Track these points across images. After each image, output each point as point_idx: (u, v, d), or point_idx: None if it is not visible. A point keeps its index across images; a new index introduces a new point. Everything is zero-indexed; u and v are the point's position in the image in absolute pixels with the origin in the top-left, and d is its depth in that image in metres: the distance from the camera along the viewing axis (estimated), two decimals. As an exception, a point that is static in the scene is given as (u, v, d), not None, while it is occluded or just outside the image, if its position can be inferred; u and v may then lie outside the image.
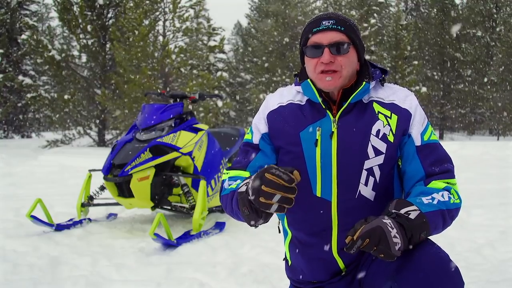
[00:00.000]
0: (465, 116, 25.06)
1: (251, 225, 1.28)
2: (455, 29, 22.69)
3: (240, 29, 34.37)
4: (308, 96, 1.54)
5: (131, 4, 13.61)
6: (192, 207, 3.59)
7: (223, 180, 1.57)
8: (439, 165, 1.47)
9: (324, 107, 1.50)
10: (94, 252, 3.06)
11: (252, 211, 1.23)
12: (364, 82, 1.50)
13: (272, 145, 1.58)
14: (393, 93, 1.54)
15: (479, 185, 6.02)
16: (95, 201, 3.95)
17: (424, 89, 19.59)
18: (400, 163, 1.52)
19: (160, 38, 14.78)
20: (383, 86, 1.56)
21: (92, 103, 14.52)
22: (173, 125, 3.80)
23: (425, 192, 1.41)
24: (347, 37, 1.47)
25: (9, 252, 2.98)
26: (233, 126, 6.86)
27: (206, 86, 13.66)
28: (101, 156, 8.08)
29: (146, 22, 13.63)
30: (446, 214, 1.36)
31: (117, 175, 3.49)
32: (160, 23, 14.74)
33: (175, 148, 3.63)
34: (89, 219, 3.87)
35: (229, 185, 1.49)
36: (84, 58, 15.47)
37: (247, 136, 1.63)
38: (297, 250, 1.59)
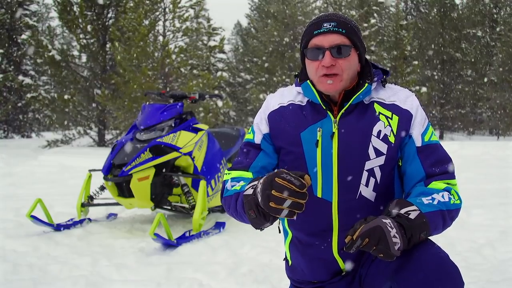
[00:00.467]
0: (465, 116, 25.06)
1: (256, 228, 1.28)
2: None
3: (240, 29, 34.37)
4: (309, 97, 1.54)
5: (131, 4, 13.61)
6: (192, 207, 3.59)
7: (224, 180, 1.56)
8: (440, 165, 1.47)
9: (324, 107, 1.50)
10: (94, 252, 3.06)
11: (260, 214, 1.22)
12: (366, 84, 1.50)
13: (273, 145, 1.57)
14: (394, 93, 1.54)
15: (479, 185, 6.02)
16: (95, 201, 3.95)
17: (424, 89, 19.59)
18: (400, 164, 1.52)
19: (160, 38, 14.78)
20: (384, 86, 1.56)
21: (92, 103, 14.52)
22: (173, 125, 3.80)
23: (425, 192, 1.41)
24: (349, 40, 1.46)
25: (9, 252, 2.98)
26: (233, 126, 6.85)
27: (206, 86, 13.66)
28: (101, 156, 8.08)
29: (146, 22, 13.63)
30: (446, 215, 1.36)
31: (117, 175, 3.49)
32: (160, 23, 14.75)
33: (175, 148, 3.62)
34: (89, 219, 3.87)
35: (232, 186, 1.48)
36: (84, 58, 15.47)
37: (248, 136, 1.62)
38: (297, 250, 1.59)
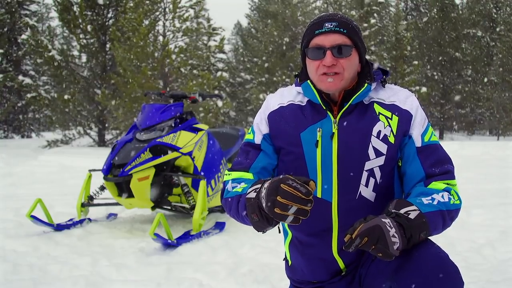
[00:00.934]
0: (465, 116, 25.07)
1: (259, 231, 1.28)
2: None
3: (240, 29, 34.37)
4: (309, 97, 1.54)
5: (131, 4, 13.61)
6: (192, 207, 3.59)
7: (225, 181, 1.56)
8: (439, 166, 1.47)
9: (324, 108, 1.50)
10: (94, 252, 3.06)
11: (263, 218, 1.22)
12: (365, 84, 1.50)
13: (273, 145, 1.57)
14: (394, 94, 1.54)
15: (479, 185, 6.02)
16: (95, 201, 3.95)
17: (424, 89, 19.60)
18: (400, 164, 1.52)
19: (160, 38, 14.78)
20: (384, 87, 1.56)
21: (92, 103, 14.52)
22: (173, 125, 3.80)
23: (425, 192, 1.41)
24: (350, 40, 1.46)
25: (9, 252, 2.98)
26: (233, 126, 6.85)
27: (206, 86, 13.66)
28: (101, 156, 8.09)
29: (146, 22, 13.63)
30: (446, 215, 1.36)
31: (117, 175, 3.49)
32: (160, 23, 14.74)
33: (175, 148, 3.62)
34: (89, 219, 3.87)
35: (233, 187, 1.48)
36: (84, 58, 15.47)
37: (248, 136, 1.62)
38: (297, 250, 1.59)
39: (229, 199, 1.46)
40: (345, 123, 1.48)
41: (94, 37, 14.30)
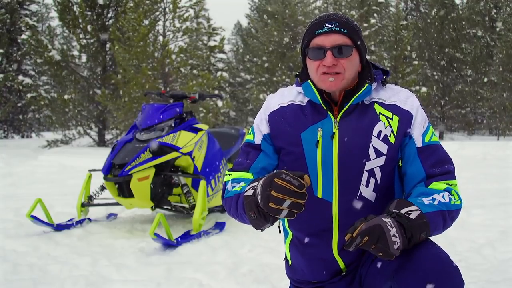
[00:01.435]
0: (465, 116, 25.07)
1: (257, 229, 1.28)
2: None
3: (240, 29, 34.36)
4: (309, 97, 1.54)
5: (131, 4, 13.61)
6: (192, 207, 3.59)
7: (225, 181, 1.56)
8: (440, 166, 1.47)
9: (325, 108, 1.50)
10: (94, 252, 3.06)
11: (260, 215, 1.22)
12: (366, 84, 1.50)
13: (273, 145, 1.57)
14: (395, 94, 1.54)
15: (479, 185, 6.02)
16: (95, 201, 3.95)
17: (424, 89, 19.61)
18: (400, 164, 1.52)
19: (160, 38, 14.78)
20: (384, 87, 1.56)
21: (92, 103, 14.52)
22: (173, 125, 3.80)
23: (425, 193, 1.41)
24: (350, 40, 1.46)
25: (9, 252, 2.98)
26: (233, 126, 6.86)
27: (206, 86, 13.66)
28: (101, 156, 8.09)
29: (146, 22, 13.63)
30: (446, 215, 1.36)
31: (117, 175, 3.49)
32: (160, 23, 14.75)
33: (175, 148, 3.62)
34: (89, 219, 3.87)
35: (233, 187, 1.48)
36: (84, 58, 15.48)
37: (249, 137, 1.62)
38: (297, 250, 1.59)
39: (229, 199, 1.47)
40: (345, 123, 1.48)
41: (94, 37, 14.30)
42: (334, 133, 1.47)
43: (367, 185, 1.46)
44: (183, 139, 3.70)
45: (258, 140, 1.58)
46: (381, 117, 1.49)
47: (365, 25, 19.30)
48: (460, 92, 24.25)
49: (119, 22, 13.71)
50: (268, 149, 1.57)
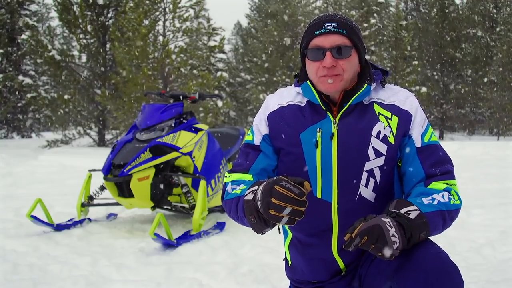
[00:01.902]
0: (465, 116, 25.08)
1: (257, 232, 1.28)
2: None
3: (240, 29, 34.37)
4: (308, 97, 1.54)
5: (131, 4, 13.61)
6: (192, 207, 3.59)
7: (225, 183, 1.56)
8: (439, 166, 1.47)
9: (324, 108, 1.50)
10: (94, 252, 3.06)
11: (260, 220, 1.22)
12: (365, 84, 1.50)
13: (273, 146, 1.57)
14: (394, 94, 1.54)
15: (479, 185, 6.02)
16: (95, 201, 3.95)
17: (424, 89, 19.61)
18: (400, 165, 1.52)
19: (160, 38, 14.78)
20: (383, 87, 1.56)
21: (92, 103, 14.52)
22: (173, 125, 3.80)
23: (425, 192, 1.41)
24: (349, 41, 1.46)
25: (9, 252, 2.98)
26: (233, 126, 6.87)
27: (206, 86, 13.66)
28: (101, 156, 8.09)
29: (146, 22, 13.63)
30: (446, 215, 1.36)
31: (117, 175, 3.49)
32: (160, 23, 14.75)
33: (175, 148, 3.62)
34: (89, 219, 3.87)
35: (233, 189, 1.48)
36: (84, 58, 15.48)
37: (248, 137, 1.62)
38: (297, 251, 1.59)
39: (229, 201, 1.47)
40: (345, 124, 1.48)
41: (94, 37, 14.30)
42: (333, 133, 1.47)
43: (366, 185, 1.46)
44: (183, 139, 3.70)
45: (257, 141, 1.58)
46: (381, 117, 1.49)
47: (365, 25, 19.29)
48: (460, 92, 24.25)
49: (119, 22, 13.71)
50: (267, 149, 1.57)
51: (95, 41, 14.42)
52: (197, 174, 3.78)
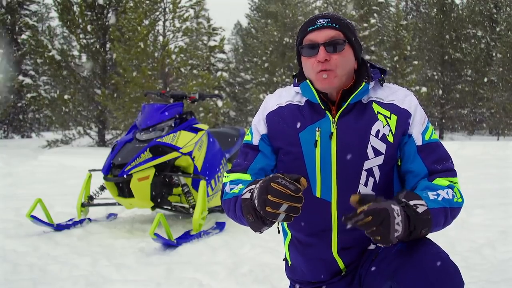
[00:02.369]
0: (465, 116, 25.07)
1: (256, 231, 1.29)
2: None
3: (240, 29, 34.37)
4: (307, 97, 1.54)
5: (131, 4, 13.61)
6: (192, 207, 3.59)
7: (224, 183, 1.56)
8: (441, 163, 1.47)
9: (323, 107, 1.50)
10: (94, 252, 3.06)
11: (258, 218, 1.23)
12: (363, 83, 1.50)
13: (271, 146, 1.57)
14: (392, 93, 1.54)
15: (479, 185, 6.02)
16: (95, 201, 3.95)
17: (424, 89, 19.61)
18: (399, 163, 1.52)
19: (160, 38, 14.78)
20: (382, 86, 1.56)
21: (92, 103, 14.53)
22: (173, 125, 3.80)
23: (430, 187, 1.40)
24: (343, 35, 1.46)
25: (9, 252, 2.98)
26: (233, 126, 6.87)
27: (206, 86, 13.66)
28: (101, 156, 8.09)
29: (146, 22, 13.63)
30: (448, 213, 1.36)
31: (117, 175, 3.48)
32: (160, 23, 14.75)
33: (175, 148, 3.62)
34: (89, 219, 3.87)
35: (231, 189, 1.48)
36: (84, 58, 15.48)
37: (247, 138, 1.62)
38: (297, 251, 1.59)
39: (227, 201, 1.47)
40: (343, 123, 1.48)
41: (94, 37, 14.30)
42: (332, 132, 1.47)
43: (366, 185, 1.46)
44: (183, 139, 3.70)
45: (256, 141, 1.58)
46: (379, 116, 1.48)
47: (365, 25, 19.29)
48: (460, 92, 24.26)
49: (119, 22, 13.71)
50: (266, 149, 1.57)
51: (95, 41, 14.42)
52: (197, 174, 3.78)
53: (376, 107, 1.50)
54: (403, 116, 1.49)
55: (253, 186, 1.28)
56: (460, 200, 1.42)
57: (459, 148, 10.22)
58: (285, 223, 1.61)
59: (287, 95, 1.60)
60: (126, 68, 12.83)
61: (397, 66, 19.81)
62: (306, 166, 1.48)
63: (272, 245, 3.16)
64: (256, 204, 1.20)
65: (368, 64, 1.56)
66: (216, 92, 15.71)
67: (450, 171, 1.47)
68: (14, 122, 20.12)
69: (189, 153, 3.72)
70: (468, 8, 26.35)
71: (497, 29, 25.03)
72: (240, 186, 1.46)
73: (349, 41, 1.47)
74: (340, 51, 1.45)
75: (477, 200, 4.79)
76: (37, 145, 14.13)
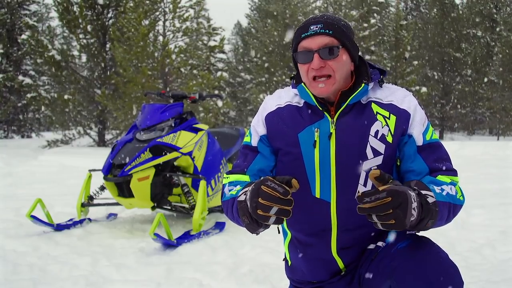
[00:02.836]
0: (465, 116, 25.08)
1: (252, 233, 1.30)
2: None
3: (240, 29, 34.37)
4: (305, 99, 1.54)
5: (131, 4, 13.61)
6: (192, 207, 3.59)
7: (223, 184, 1.58)
8: (442, 162, 1.47)
9: (321, 109, 1.50)
10: (94, 252, 3.06)
11: (252, 220, 1.24)
12: (363, 84, 1.50)
13: (271, 147, 1.57)
14: (392, 93, 1.54)
15: (479, 185, 6.02)
16: (95, 201, 3.95)
17: (424, 89, 19.61)
18: (399, 164, 1.52)
19: (160, 38, 14.78)
20: (381, 86, 1.56)
21: (92, 103, 14.53)
22: (173, 125, 3.80)
23: (435, 182, 1.40)
24: (337, 40, 1.46)
25: (9, 252, 2.98)
26: (233, 126, 6.87)
27: (206, 86, 13.66)
28: (101, 156, 8.09)
29: (146, 22, 13.64)
30: (451, 208, 1.36)
31: (117, 175, 3.49)
32: (160, 23, 14.75)
33: (175, 148, 3.63)
34: (89, 219, 3.87)
35: (229, 190, 1.50)
36: (84, 58, 15.48)
37: (246, 139, 1.63)
38: (296, 251, 1.59)
39: (226, 202, 1.49)
40: (342, 123, 1.48)
41: (94, 37, 14.30)
42: (331, 133, 1.47)
43: (365, 185, 1.46)
44: (183, 139, 3.70)
45: (254, 142, 1.59)
46: (378, 116, 1.48)
47: (365, 25, 19.29)
48: (460, 92, 24.26)
49: (119, 22, 13.72)
50: (265, 150, 1.57)
51: (95, 41, 14.42)
52: (197, 174, 3.78)
53: (375, 108, 1.50)
54: (402, 116, 1.49)
55: (248, 188, 1.29)
56: (461, 198, 1.43)
57: (459, 148, 10.22)
58: (284, 223, 1.61)
59: (286, 96, 1.61)
60: (126, 68, 12.83)
61: (397, 66, 19.81)
62: (305, 167, 1.48)
63: (272, 245, 3.16)
64: (249, 207, 1.21)
65: (368, 65, 1.57)
66: (216, 92, 15.71)
67: (452, 171, 1.48)
68: (14, 122, 20.11)
69: (189, 153, 3.73)
70: (468, 8, 26.36)
71: (497, 29, 25.04)
72: (238, 187, 1.47)
73: (343, 45, 1.47)
74: (334, 57, 1.45)
75: (477, 200, 4.80)
76: (37, 145, 14.13)
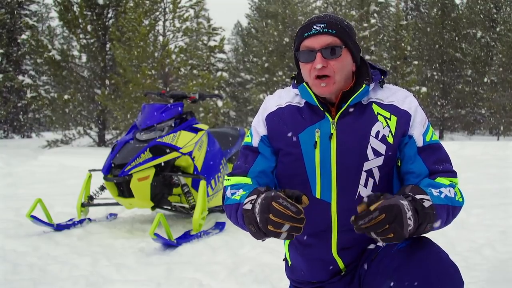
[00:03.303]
0: (465, 116, 25.08)
1: (257, 239, 1.29)
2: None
3: (240, 29, 34.37)
4: (306, 99, 1.54)
5: (131, 4, 13.62)
6: (192, 207, 3.59)
7: (225, 186, 1.56)
8: (442, 164, 1.47)
9: (322, 109, 1.50)
10: (94, 252, 3.06)
11: (260, 230, 1.23)
12: (364, 85, 1.50)
13: (271, 147, 1.57)
14: (392, 94, 1.54)
15: (479, 185, 6.02)
16: (95, 201, 3.95)
17: (424, 89, 19.60)
18: (399, 164, 1.52)
19: (160, 38, 14.79)
20: (382, 87, 1.56)
21: (92, 103, 14.53)
22: (173, 125, 3.80)
23: (433, 184, 1.40)
24: (339, 40, 1.46)
25: (9, 252, 2.98)
26: (233, 126, 6.88)
27: (206, 86, 13.66)
28: (101, 156, 8.09)
29: (146, 22, 13.64)
30: (450, 211, 1.36)
31: (117, 175, 3.49)
32: (160, 23, 14.77)
33: (175, 148, 3.63)
34: (89, 219, 3.87)
35: (232, 194, 1.48)
36: (84, 58, 15.48)
37: (247, 139, 1.62)
38: (296, 251, 1.59)
39: (229, 206, 1.47)
40: (343, 124, 1.48)
41: (94, 37, 14.30)
42: (332, 133, 1.47)
43: (365, 185, 1.46)
44: (183, 139, 3.71)
45: (255, 143, 1.58)
46: (379, 117, 1.48)
47: (365, 25, 19.29)
48: (460, 92, 24.26)
49: (119, 22, 13.72)
50: (265, 151, 1.57)
51: (95, 41, 14.42)
52: (197, 174, 3.78)
53: (376, 108, 1.50)
54: (403, 117, 1.49)
55: (254, 197, 1.27)
56: (461, 199, 1.42)
57: (459, 148, 10.22)
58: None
59: (286, 96, 1.60)
60: (126, 68, 12.83)
61: (397, 66, 19.80)
62: (306, 167, 1.48)
63: (272, 245, 3.16)
64: (258, 221, 1.21)
65: (369, 65, 1.56)
66: (216, 92, 15.71)
67: (451, 172, 1.47)
68: (14, 122, 20.11)
69: (189, 153, 3.73)
70: (468, 8, 26.36)
71: (497, 29, 25.04)
72: (241, 192, 1.45)
73: (346, 45, 1.47)
74: (337, 57, 1.45)
75: (477, 200, 4.79)
76: (37, 145, 14.13)
